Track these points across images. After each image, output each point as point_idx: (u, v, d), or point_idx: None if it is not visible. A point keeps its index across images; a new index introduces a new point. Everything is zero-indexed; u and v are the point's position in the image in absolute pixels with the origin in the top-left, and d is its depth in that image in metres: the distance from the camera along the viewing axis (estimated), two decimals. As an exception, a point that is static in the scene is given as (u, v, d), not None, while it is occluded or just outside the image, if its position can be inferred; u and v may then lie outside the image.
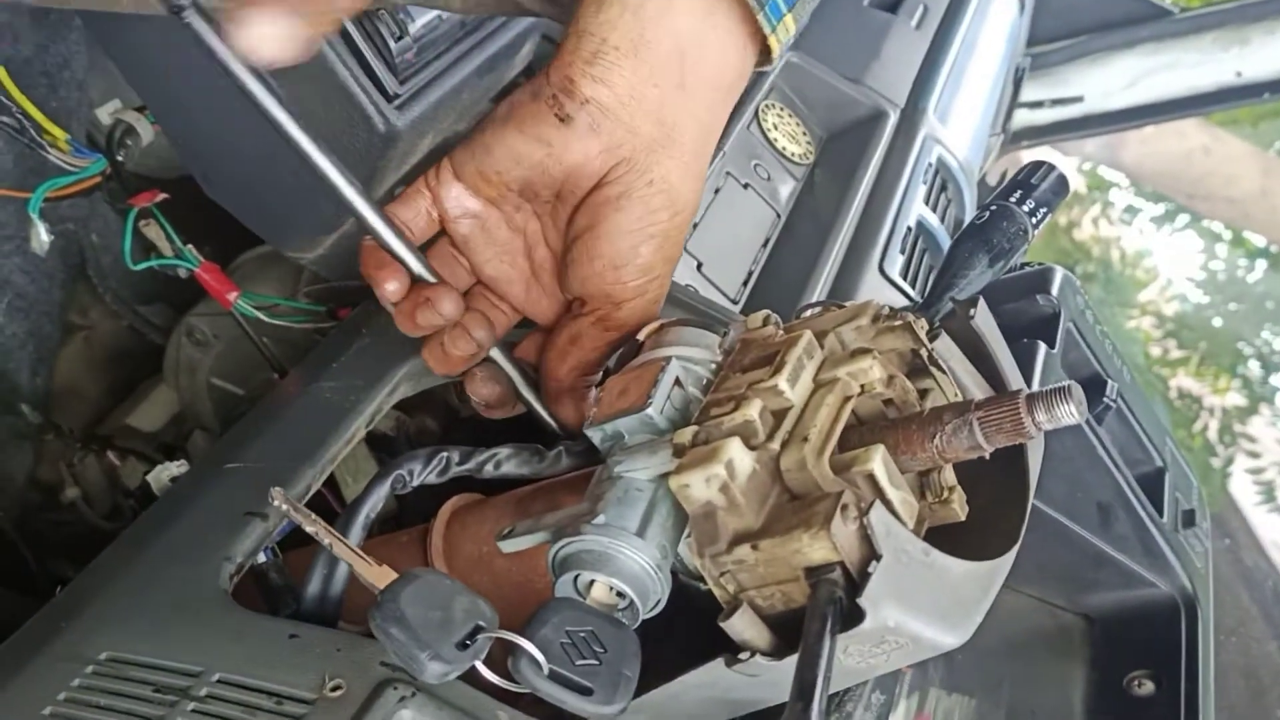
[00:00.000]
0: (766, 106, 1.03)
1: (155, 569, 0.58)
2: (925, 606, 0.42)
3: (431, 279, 0.61)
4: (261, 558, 0.60)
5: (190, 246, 0.84)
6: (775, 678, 0.44)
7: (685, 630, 0.49)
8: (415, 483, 0.57)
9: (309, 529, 0.48)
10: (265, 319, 0.85)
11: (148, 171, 0.94)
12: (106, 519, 1.01)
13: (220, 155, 0.81)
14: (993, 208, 0.57)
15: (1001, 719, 0.73)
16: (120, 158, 0.84)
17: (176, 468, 0.69)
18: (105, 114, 0.85)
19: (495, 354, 0.64)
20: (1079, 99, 1.61)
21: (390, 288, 0.61)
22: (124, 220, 0.82)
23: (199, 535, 0.59)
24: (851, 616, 0.41)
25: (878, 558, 0.42)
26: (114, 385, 1.10)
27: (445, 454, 0.57)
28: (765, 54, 0.61)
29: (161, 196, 0.83)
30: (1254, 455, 4.21)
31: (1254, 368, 4.55)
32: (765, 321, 0.56)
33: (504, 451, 0.58)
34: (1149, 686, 0.76)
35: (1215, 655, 0.81)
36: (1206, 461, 4.18)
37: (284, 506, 0.48)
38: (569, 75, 0.58)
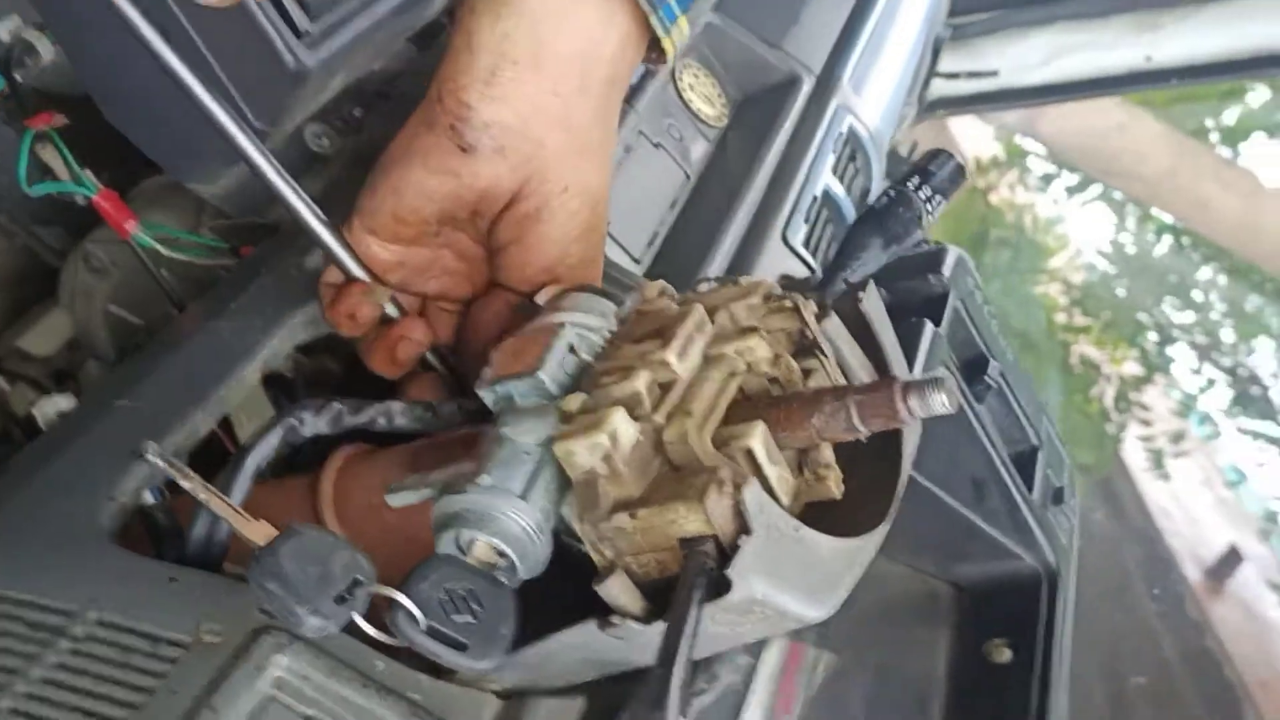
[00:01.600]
0: (684, 66, 1.03)
1: (35, 505, 0.58)
2: (792, 580, 0.44)
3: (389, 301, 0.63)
4: (149, 498, 0.60)
5: (88, 172, 0.82)
6: (645, 641, 0.45)
7: (565, 589, 0.50)
8: (306, 432, 0.57)
9: (185, 485, 0.48)
10: (164, 251, 0.84)
11: (51, 89, 0.91)
12: (-6, 444, 0.99)
13: (119, 78, 0.79)
14: (891, 193, 0.58)
15: (868, 678, 0.76)
16: (18, 77, 0.81)
17: (64, 401, 0.68)
18: (4, 31, 0.82)
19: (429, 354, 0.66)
20: (994, 73, 1.63)
21: (367, 317, 0.62)
22: (19, 142, 0.79)
23: (83, 473, 0.59)
24: (720, 587, 0.43)
25: (749, 532, 0.43)
26: (5, 307, 1.07)
27: (337, 406, 0.57)
28: (660, 53, 0.61)
29: (60, 120, 0.81)
30: (1146, 423, 4.37)
31: (1152, 339, 4.70)
32: (660, 293, 0.57)
33: (396, 406, 0.59)
34: (1007, 654, 0.80)
35: (1078, 622, 0.85)
36: (1101, 427, 4.32)
37: (159, 462, 0.48)
38: (464, 100, 0.57)
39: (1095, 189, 4.78)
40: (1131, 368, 4.55)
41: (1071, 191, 4.87)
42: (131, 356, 0.70)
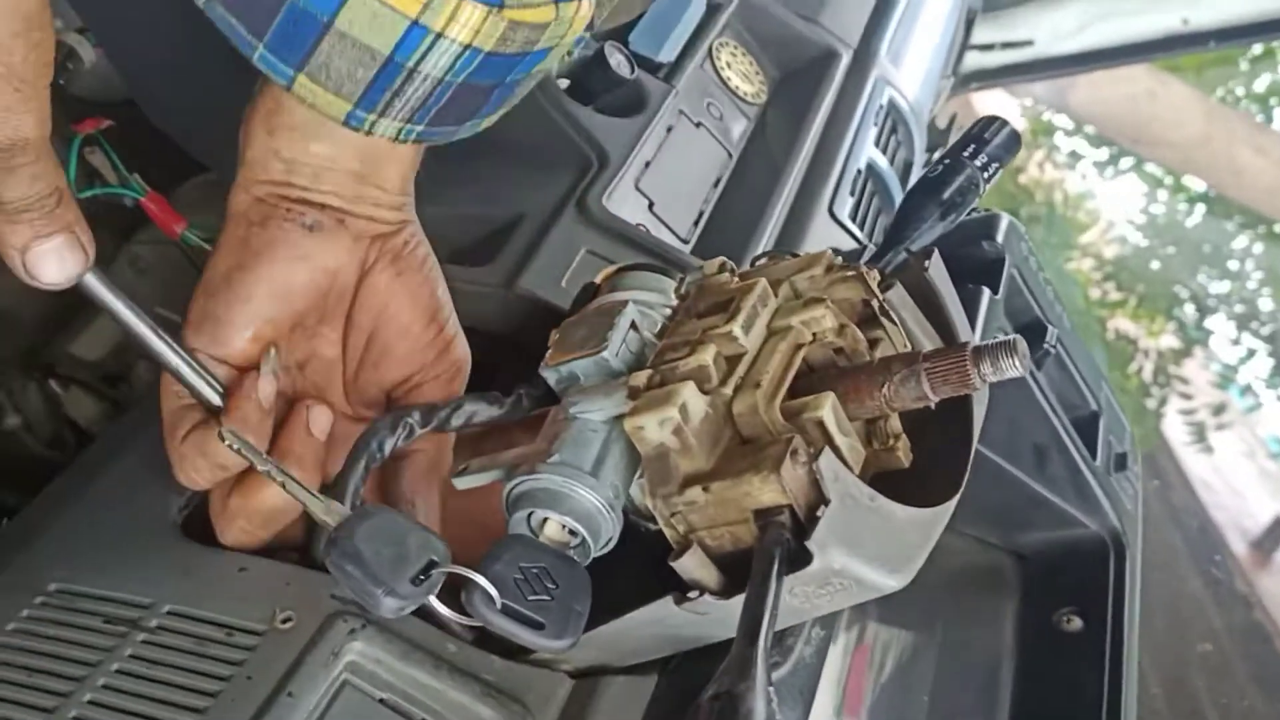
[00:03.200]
0: (721, 44, 1.03)
1: (104, 502, 0.58)
2: (870, 550, 0.44)
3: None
4: None
5: (136, 175, 0.82)
6: (722, 616, 0.45)
7: (634, 568, 0.50)
8: (386, 454, 0.55)
9: (261, 468, 0.48)
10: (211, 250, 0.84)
11: (89, 95, 0.91)
12: (48, 447, 1.00)
13: (163, 78, 0.79)
14: (946, 161, 0.58)
15: (935, 652, 0.76)
16: (61, 81, 0.82)
17: None
18: (45, 35, 0.83)
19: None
20: (1029, 43, 1.61)
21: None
22: (66, 147, 0.80)
23: (148, 469, 0.59)
24: (798, 558, 0.42)
25: (826, 502, 0.43)
26: (54, 312, 1.08)
27: (409, 419, 0.55)
28: None
29: (107, 124, 0.81)
30: (1186, 397, 4.31)
31: (1189, 311, 4.64)
32: (721, 268, 0.56)
33: (466, 404, 0.57)
34: (1077, 623, 0.79)
35: (1141, 592, 0.84)
36: (1141, 403, 4.27)
37: (235, 445, 0.48)
38: (295, 191, 0.54)
39: (1126, 162, 4.73)
40: (1169, 341, 4.50)
41: (1102, 166, 4.83)
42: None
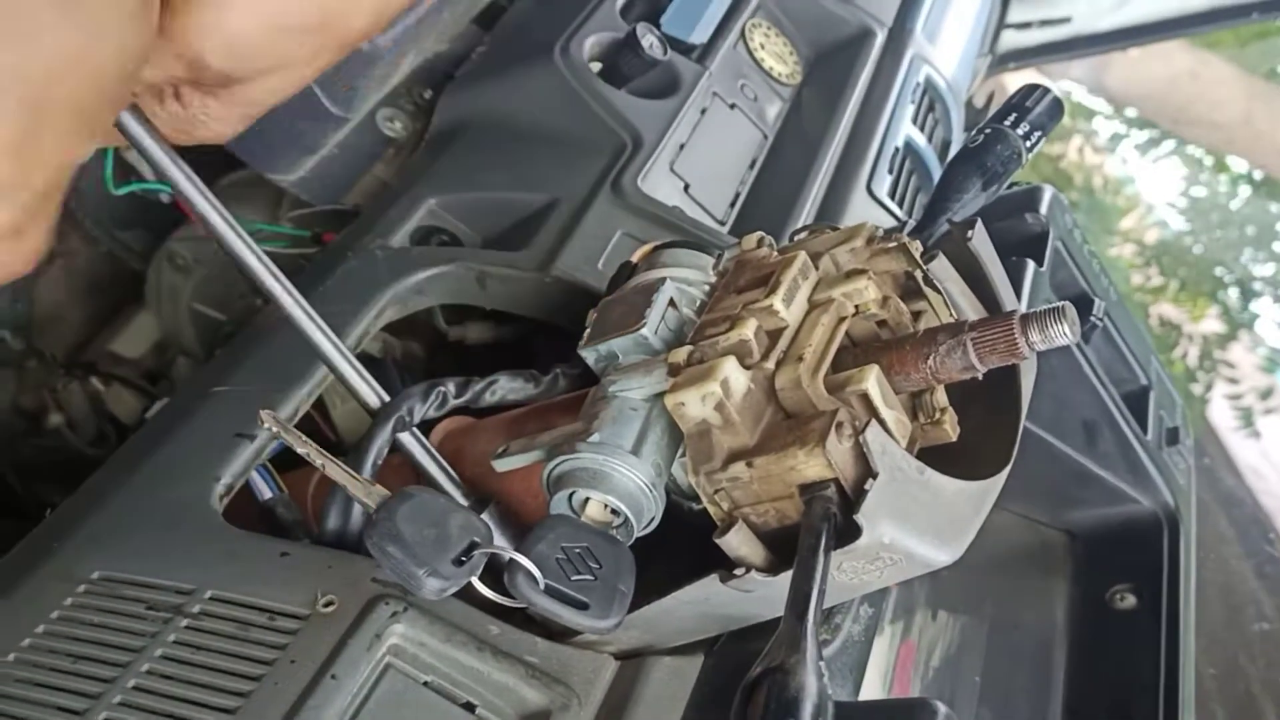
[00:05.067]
0: (753, 25, 1.02)
1: (146, 490, 0.58)
2: (919, 524, 0.43)
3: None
4: (267, 492, 0.60)
5: (171, 169, 0.82)
6: (769, 593, 0.44)
7: (677, 548, 0.49)
8: (416, 420, 0.56)
9: (300, 450, 0.48)
10: (250, 243, 0.84)
11: (125, 92, 0.92)
12: (91, 445, 1.00)
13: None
14: (987, 131, 0.56)
15: (985, 633, 0.74)
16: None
17: None
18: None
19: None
20: (1067, 20, 1.58)
21: None
22: (102, 142, 0.80)
23: (188, 457, 0.59)
24: (846, 533, 0.42)
25: (874, 475, 0.42)
26: (95, 311, 1.09)
27: (442, 388, 0.56)
28: None
29: (141, 118, 0.81)
30: (1233, 381, 4.25)
31: (1233, 294, 4.57)
32: (759, 243, 0.55)
33: (501, 379, 0.58)
34: (1131, 600, 0.77)
35: (1195, 571, 0.82)
36: (1186, 388, 4.21)
37: (274, 428, 0.48)
38: None
39: (1167, 145, 4.66)
40: (1214, 325, 4.43)
41: (1142, 149, 4.76)
42: (224, 347, 0.70)
